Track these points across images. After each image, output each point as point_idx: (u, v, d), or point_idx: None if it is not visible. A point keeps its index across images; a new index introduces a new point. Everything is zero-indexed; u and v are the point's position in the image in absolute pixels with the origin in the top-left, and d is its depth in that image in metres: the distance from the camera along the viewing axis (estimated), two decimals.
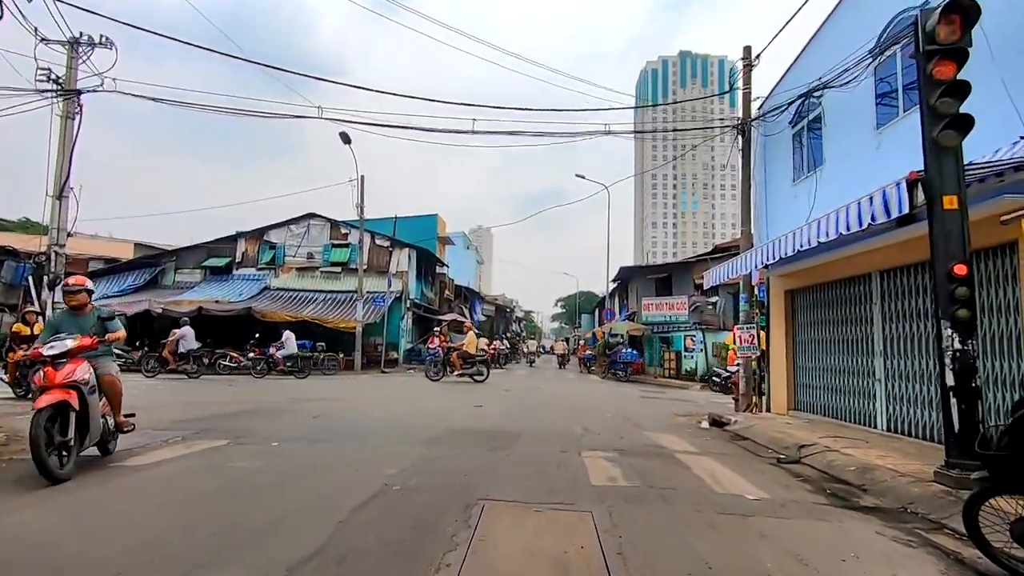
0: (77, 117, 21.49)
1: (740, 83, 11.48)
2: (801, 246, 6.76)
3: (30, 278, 22.06)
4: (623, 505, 4.05)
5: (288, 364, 17.66)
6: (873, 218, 5.40)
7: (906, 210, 5.00)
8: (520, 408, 10.80)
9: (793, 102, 9.22)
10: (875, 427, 7.68)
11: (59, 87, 20.95)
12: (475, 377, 16.26)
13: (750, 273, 10.84)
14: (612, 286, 34.68)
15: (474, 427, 7.78)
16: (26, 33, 17.07)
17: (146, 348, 19.70)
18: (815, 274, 9.17)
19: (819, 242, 6.45)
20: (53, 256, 22.73)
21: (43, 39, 18.93)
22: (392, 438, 6.61)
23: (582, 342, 42.67)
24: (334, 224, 26.82)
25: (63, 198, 21.63)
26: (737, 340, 11.21)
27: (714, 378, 19.36)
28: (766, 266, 9.93)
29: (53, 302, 21.92)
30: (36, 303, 21.72)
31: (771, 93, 10.74)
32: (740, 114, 11.50)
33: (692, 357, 23.42)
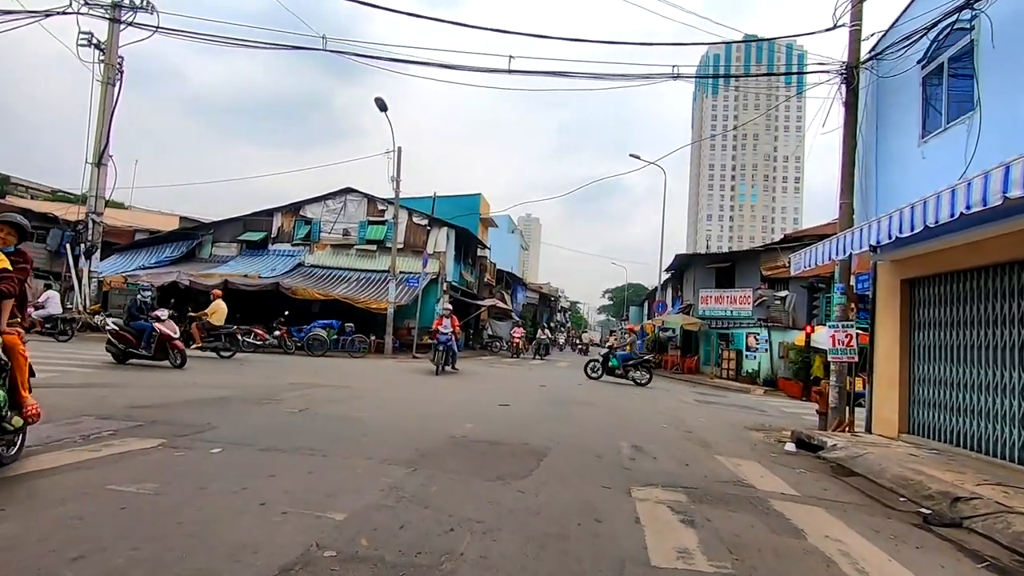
0: (117, 83, 20.87)
1: (848, 18, 9.12)
2: (983, 202, 4.54)
3: (68, 246, 21.99)
4: None
5: (47, 326, 15.49)
6: None
7: None
8: (554, 410, 9.00)
9: (937, 23, 6.88)
10: None
11: (100, 51, 20.25)
12: (221, 353, 13.75)
13: (850, 256, 8.59)
14: (665, 276, 32.12)
15: (487, 437, 6.01)
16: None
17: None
18: (952, 258, 6.88)
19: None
20: (91, 224, 22.29)
21: (85, 2, 18.26)
22: (371, 449, 4.94)
23: (627, 337, 40.54)
24: (371, 200, 25.58)
25: (102, 165, 21.13)
26: (829, 342, 8.98)
27: (594, 362, 16.67)
28: (873, 248, 7.69)
29: (89, 271, 21.58)
30: (73, 272, 21.52)
31: (893, 24, 8.35)
32: (847, 58, 9.13)
33: (755, 357, 20.91)
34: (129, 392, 7.27)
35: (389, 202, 23.91)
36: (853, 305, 9.83)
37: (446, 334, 14.03)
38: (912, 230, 5.48)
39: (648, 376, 15.89)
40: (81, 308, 19.96)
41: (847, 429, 8.52)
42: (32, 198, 36.16)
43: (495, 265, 35.84)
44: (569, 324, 74.94)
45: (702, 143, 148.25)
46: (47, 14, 13.36)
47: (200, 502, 3.23)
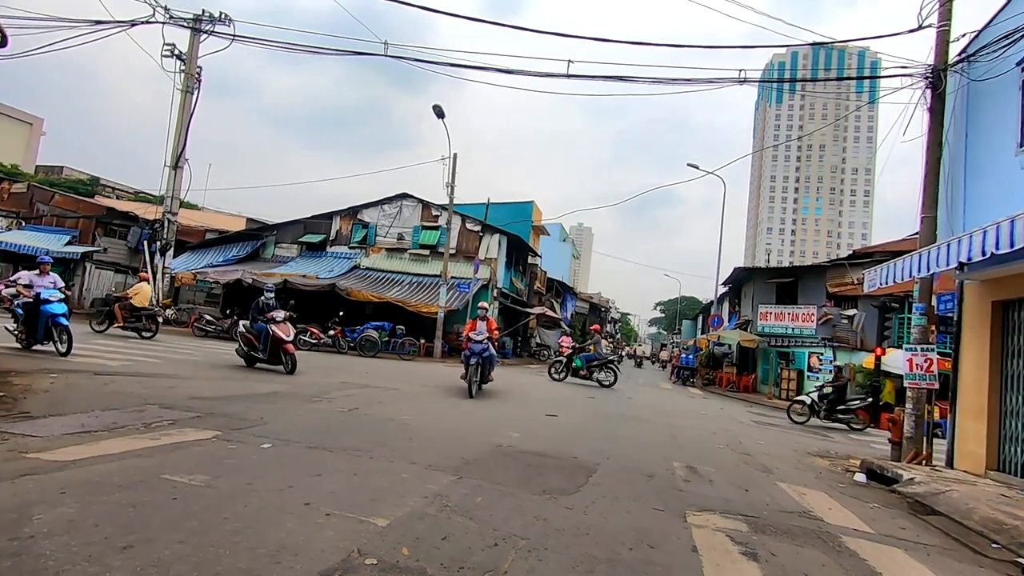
0: (195, 92, 22.16)
1: (935, 18, 8.48)
2: None
3: (145, 243, 23.51)
4: None
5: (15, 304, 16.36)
6: None
7: None
8: (603, 423, 8.72)
9: None
10: None
11: (181, 61, 21.54)
12: (143, 334, 13.78)
13: (933, 274, 7.93)
14: (722, 290, 31.01)
15: (534, 448, 5.85)
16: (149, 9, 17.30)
17: (235, 316, 19.91)
18: None
19: None
20: (166, 223, 23.66)
21: (170, 16, 19.55)
22: (417, 454, 4.88)
23: (676, 350, 39.61)
24: (426, 205, 26.00)
25: (178, 168, 22.45)
26: (906, 366, 8.31)
27: (557, 363, 17.28)
28: (961, 266, 7.09)
29: (163, 267, 22.92)
30: (149, 267, 22.95)
31: (989, 23, 7.69)
32: (933, 60, 8.49)
33: (817, 378, 19.73)
34: (194, 384, 7.57)
35: (443, 208, 24.22)
36: (933, 327, 9.11)
37: (480, 342, 10.31)
38: (1012, 246, 4.98)
39: (613, 378, 15.79)
40: (155, 301, 21.30)
41: (925, 462, 7.84)
42: (117, 198, 38.91)
43: (546, 273, 35.65)
44: (619, 335, 73.68)
45: (764, 154, 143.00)
46: (132, 23, 14.34)
47: (247, 498, 3.24)
